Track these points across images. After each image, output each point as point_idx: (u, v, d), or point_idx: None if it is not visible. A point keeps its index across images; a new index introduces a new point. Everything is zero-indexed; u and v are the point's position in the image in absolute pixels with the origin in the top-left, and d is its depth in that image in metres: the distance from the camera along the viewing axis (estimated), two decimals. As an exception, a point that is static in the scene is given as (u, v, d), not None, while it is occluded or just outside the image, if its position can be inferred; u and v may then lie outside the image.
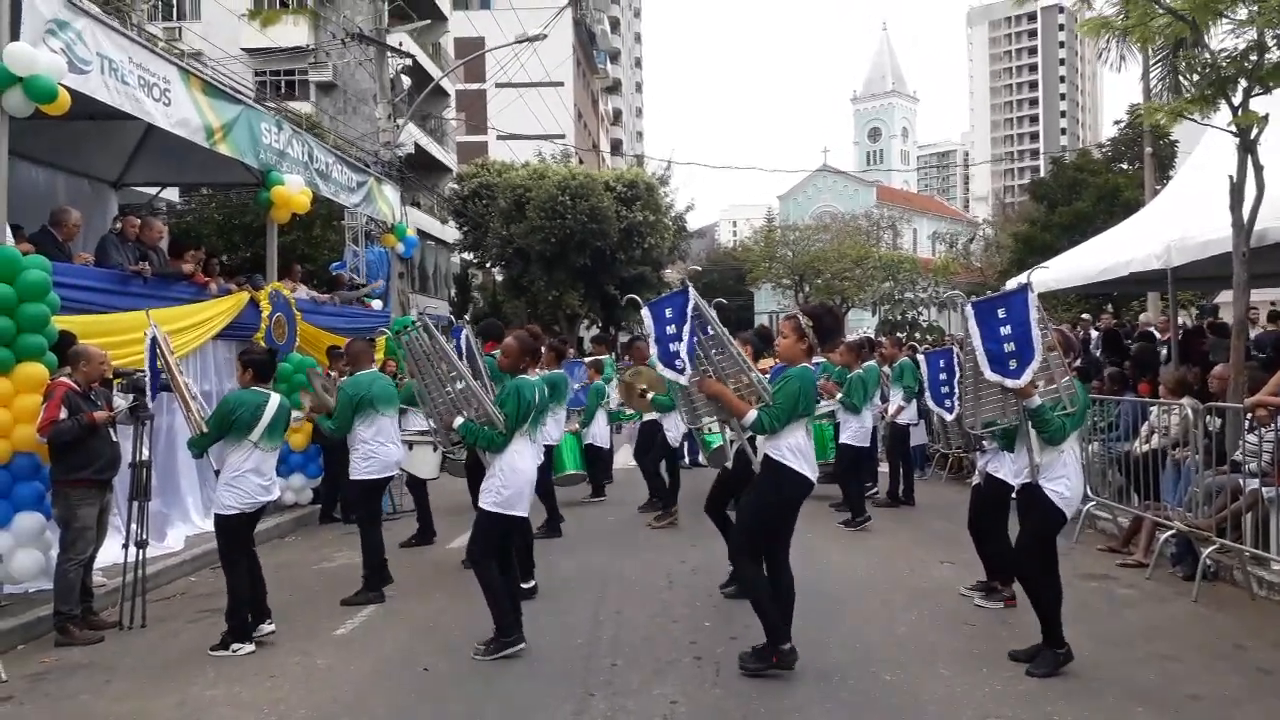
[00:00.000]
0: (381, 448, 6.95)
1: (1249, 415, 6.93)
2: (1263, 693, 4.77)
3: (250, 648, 5.67)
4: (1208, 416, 7.44)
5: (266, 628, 5.83)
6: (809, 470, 5.08)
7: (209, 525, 8.68)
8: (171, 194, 18.21)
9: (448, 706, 4.74)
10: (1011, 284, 5.22)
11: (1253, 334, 12.24)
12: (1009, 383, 4.85)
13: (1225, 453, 7.38)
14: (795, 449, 5.05)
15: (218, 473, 5.97)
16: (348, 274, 15.42)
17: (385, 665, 5.40)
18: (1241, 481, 6.84)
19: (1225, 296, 22.37)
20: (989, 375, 4.89)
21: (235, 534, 5.81)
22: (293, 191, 10.89)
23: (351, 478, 7.03)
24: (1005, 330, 4.81)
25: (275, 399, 5.97)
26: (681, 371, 5.30)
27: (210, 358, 9.76)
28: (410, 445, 8.37)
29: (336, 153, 13.54)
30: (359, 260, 16.44)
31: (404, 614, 6.50)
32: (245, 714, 4.68)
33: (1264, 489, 6.57)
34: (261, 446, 5.83)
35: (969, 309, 4.96)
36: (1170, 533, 7.23)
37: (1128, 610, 6.34)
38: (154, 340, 6.32)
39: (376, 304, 15.09)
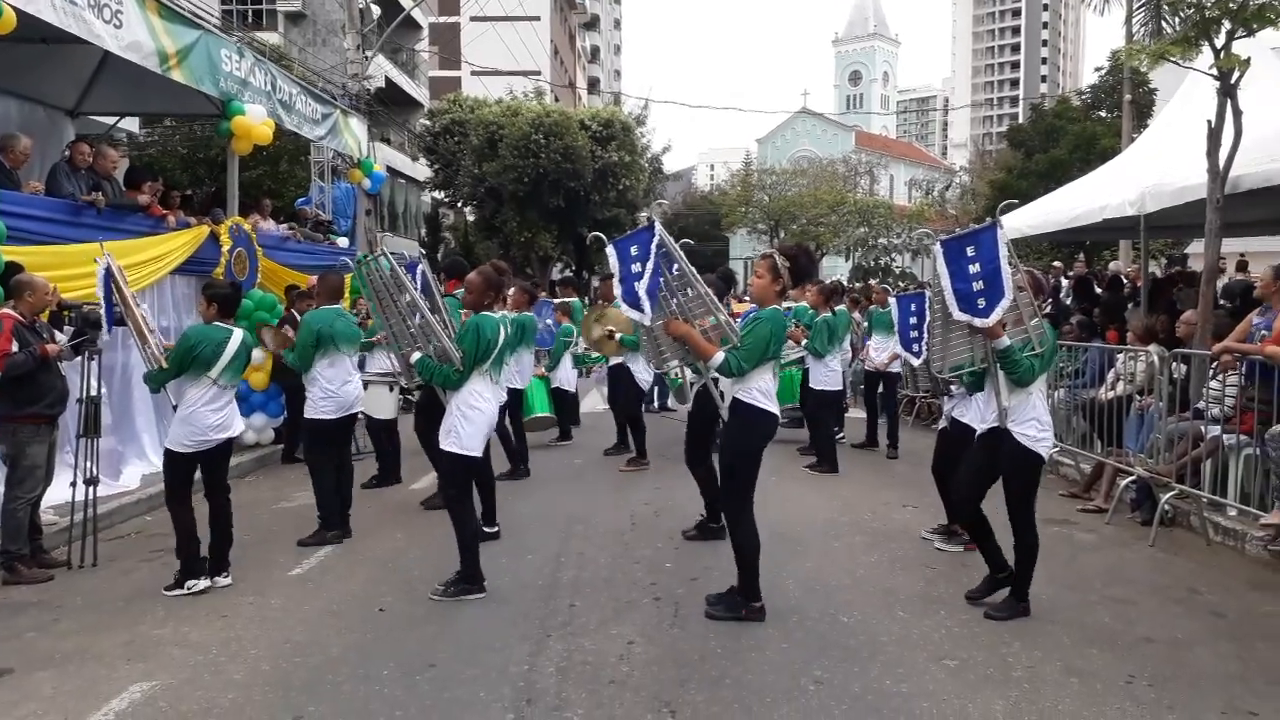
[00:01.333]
0: (341, 387, 6.80)
1: (1213, 362, 6.93)
2: (1215, 636, 4.80)
3: (205, 583, 5.58)
4: (1174, 364, 7.45)
5: (222, 581, 5.70)
6: (775, 410, 5.04)
7: (166, 463, 8.58)
8: (133, 124, 17.71)
9: (403, 646, 4.68)
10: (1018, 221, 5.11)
11: (1220, 283, 12.28)
12: (977, 322, 4.76)
13: (1189, 400, 7.40)
14: (764, 390, 4.99)
15: (175, 408, 5.82)
16: (313, 209, 15.11)
17: (341, 605, 5.33)
18: (1203, 428, 6.87)
19: (1195, 247, 22.53)
20: (957, 315, 4.80)
21: (183, 471, 5.68)
22: (254, 122, 10.57)
23: (306, 416, 6.88)
24: (974, 269, 4.71)
25: (238, 335, 5.80)
26: (644, 311, 5.18)
27: (168, 292, 9.54)
28: (366, 385, 8.24)
29: (301, 84, 13.15)
30: (325, 196, 16.10)
31: (362, 554, 6.42)
32: (194, 654, 4.60)
33: (1225, 436, 6.60)
34: (220, 383, 5.69)
35: (937, 248, 4.85)
36: (1131, 479, 7.28)
37: (1086, 554, 6.39)
38: (108, 272, 6.11)
39: (343, 241, 14.83)
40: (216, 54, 9.91)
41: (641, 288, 5.16)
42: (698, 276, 5.31)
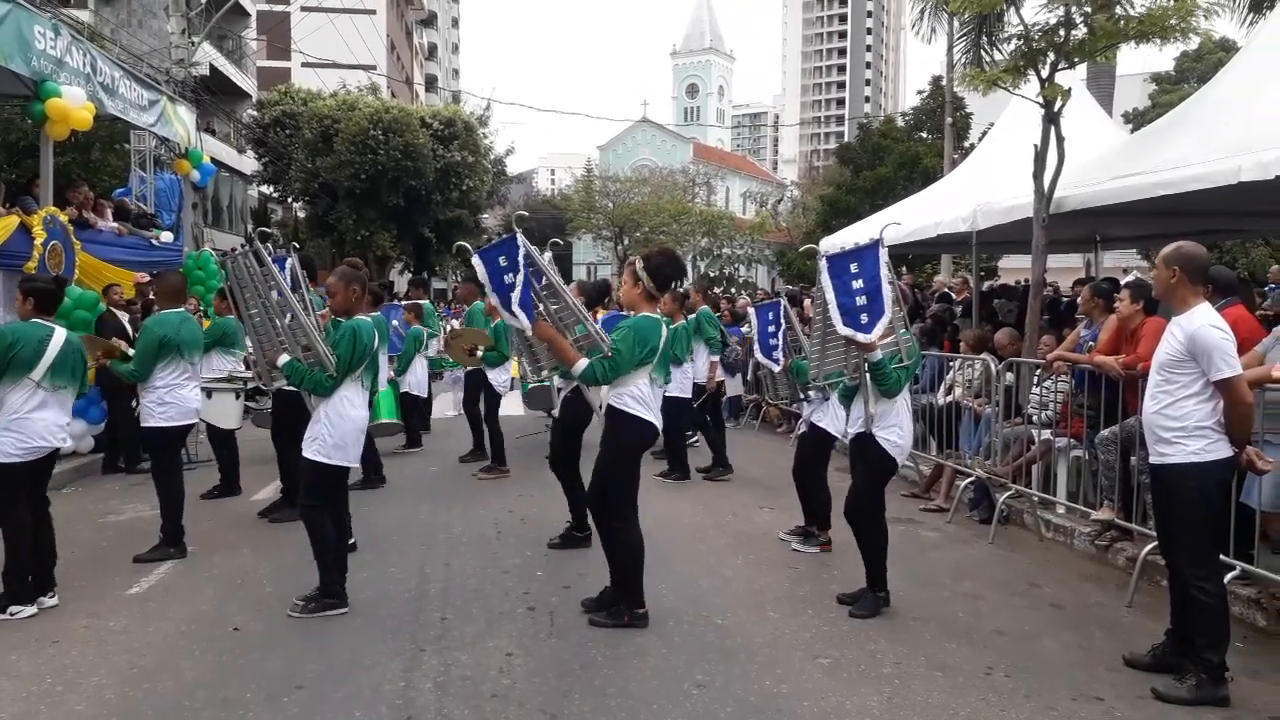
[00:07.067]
0: (181, 392, 6.34)
1: (1038, 370, 7.45)
2: (1057, 627, 5.14)
3: (31, 610, 5.09)
4: (1004, 372, 7.96)
5: (48, 601, 5.21)
6: (652, 417, 5.01)
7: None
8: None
9: (265, 667, 4.39)
10: (863, 238, 5.26)
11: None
12: (860, 338, 4.92)
13: (1020, 406, 7.92)
14: (638, 397, 4.96)
15: None
16: (133, 202, 14.08)
17: (189, 625, 4.96)
18: (1035, 433, 7.36)
19: (1004, 262, 24.30)
20: (841, 330, 4.96)
21: (13, 484, 5.15)
22: (73, 105, 9.78)
23: (146, 425, 6.35)
24: (858, 284, 4.88)
25: (61, 333, 5.32)
26: (523, 324, 5.10)
27: (-29, 288, 8.68)
28: (209, 393, 7.73)
29: (125, 67, 12.26)
30: (147, 188, 15.03)
31: (206, 570, 6.00)
32: (26, 684, 4.17)
33: (1056, 440, 7.10)
34: (45, 386, 5.19)
35: (822, 262, 4.99)
36: (970, 479, 7.72)
37: (934, 552, 6.73)
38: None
39: (167, 236, 13.89)
40: (28, 30, 9.12)
41: (514, 299, 5.07)
42: (564, 287, 5.29)
